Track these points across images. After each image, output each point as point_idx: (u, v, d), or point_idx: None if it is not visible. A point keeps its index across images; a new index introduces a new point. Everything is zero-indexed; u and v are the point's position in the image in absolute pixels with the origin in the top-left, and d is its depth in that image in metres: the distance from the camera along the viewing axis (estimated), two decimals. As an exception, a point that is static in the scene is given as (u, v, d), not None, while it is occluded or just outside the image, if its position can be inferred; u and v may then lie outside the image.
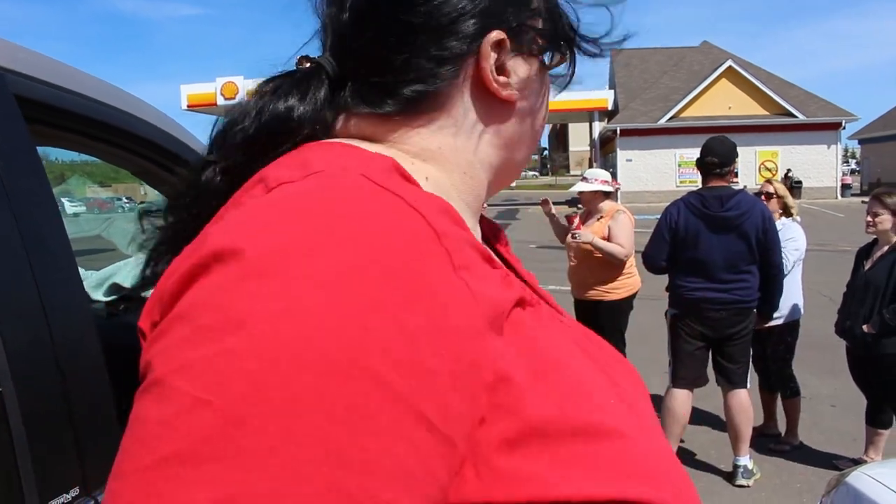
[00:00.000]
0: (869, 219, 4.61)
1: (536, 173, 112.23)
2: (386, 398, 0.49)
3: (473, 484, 0.54)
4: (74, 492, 1.21)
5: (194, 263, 0.56)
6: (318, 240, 0.54)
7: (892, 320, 4.36)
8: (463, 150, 0.77)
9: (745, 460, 4.72)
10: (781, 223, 5.26)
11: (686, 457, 5.08)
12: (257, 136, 0.72)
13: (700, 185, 4.82)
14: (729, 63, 37.83)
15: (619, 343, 6.11)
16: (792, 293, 5.20)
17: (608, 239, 5.88)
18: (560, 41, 0.81)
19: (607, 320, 6.04)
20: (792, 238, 5.21)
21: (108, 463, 1.31)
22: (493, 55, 0.74)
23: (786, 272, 5.17)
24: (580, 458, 0.58)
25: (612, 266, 5.90)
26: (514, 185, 75.51)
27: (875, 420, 4.75)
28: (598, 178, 6.13)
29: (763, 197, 5.37)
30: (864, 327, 4.49)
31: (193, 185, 0.74)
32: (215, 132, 0.75)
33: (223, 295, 0.53)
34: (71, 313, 1.25)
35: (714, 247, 4.59)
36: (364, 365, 0.50)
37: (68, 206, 24.33)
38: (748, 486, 4.62)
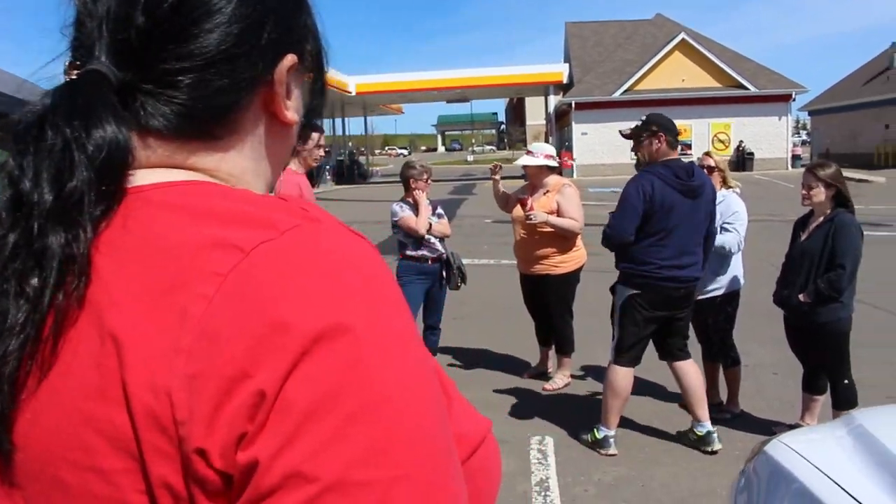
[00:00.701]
0: (804, 192, 4.67)
1: (493, 147, 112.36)
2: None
3: None
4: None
5: (294, 352, 0.55)
6: (383, 304, 0.61)
7: (826, 290, 4.43)
8: (255, 171, 0.75)
9: (709, 424, 4.78)
10: (722, 195, 5.32)
11: (631, 427, 5.15)
12: (101, 175, 0.62)
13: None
14: (682, 36, 38.08)
15: (566, 315, 6.15)
16: (732, 264, 5.28)
17: (557, 213, 5.91)
18: (321, 60, 0.80)
19: (555, 294, 6.08)
20: (737, 212, 5.28)
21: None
22: (286, 80, 0.73)
23: (741, 248, 5.25)
24: (460, 413, 0.78)
25: (561, 240, 5.93)
26: (470, 159, 75.67)
27: (810, 386, 4.85)
28: (543, 153, 6.14)
29: (705, 170, 5.42)
30: (801, 296, 4.56)
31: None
32: (29, 176, 0.61)
33: (355, 376, 0.56)
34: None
35: (684, 218, 4.53)
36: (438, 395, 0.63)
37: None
38: (715, 452, 4.69)
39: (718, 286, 5.27)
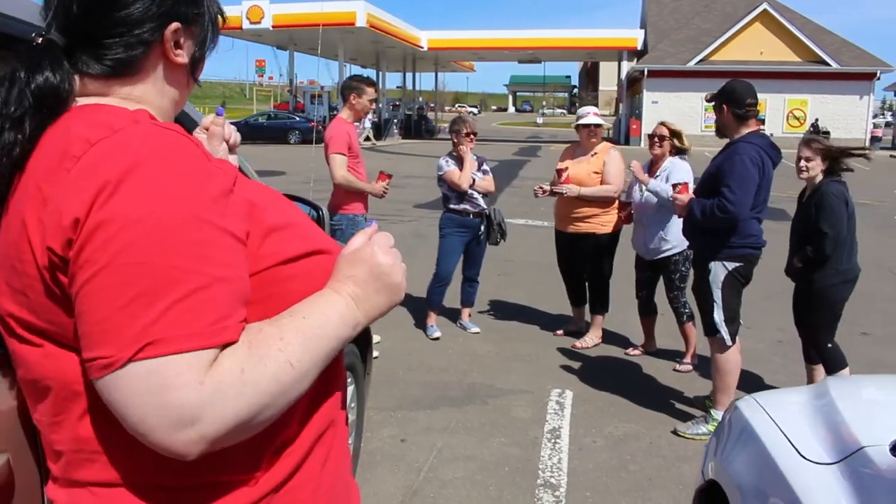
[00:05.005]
0: (802, 164, 4.79)
1: (564, 111, 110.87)
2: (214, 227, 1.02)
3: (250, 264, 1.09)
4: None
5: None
6: (159, 157, 1.02)
7: (812, 253, 4.64)
8: (157, 93, 1.22)
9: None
10: (670, 162, 5.76)
11: (650, 387, 5.34)
12: (38, 102, 1.09)
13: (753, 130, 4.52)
14: (764, 6, 37.03)
15: (609, 275, 6.30)
16: (676, 225, 5.49)
17: (603, 174, 6.07)
18: (201, 20, 1.24)
19: (605, 252, 6.32)
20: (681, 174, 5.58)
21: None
22: (172, 39, 1.18)
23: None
24: (288, 237, 1.15)
25: (605, 200, 6.11)
26: (540, 121, 74.89)
27: (809, 356, 5.01)
28: (597, 112, 6.43)
29: (656, 139, 5.81)
30: (795, 261, 4.81)
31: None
32: None
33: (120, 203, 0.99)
34: None
35: (768, 190, 4.52)
36: (199, 215, 1.01)
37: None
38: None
39: (671, 246, 5.72)
